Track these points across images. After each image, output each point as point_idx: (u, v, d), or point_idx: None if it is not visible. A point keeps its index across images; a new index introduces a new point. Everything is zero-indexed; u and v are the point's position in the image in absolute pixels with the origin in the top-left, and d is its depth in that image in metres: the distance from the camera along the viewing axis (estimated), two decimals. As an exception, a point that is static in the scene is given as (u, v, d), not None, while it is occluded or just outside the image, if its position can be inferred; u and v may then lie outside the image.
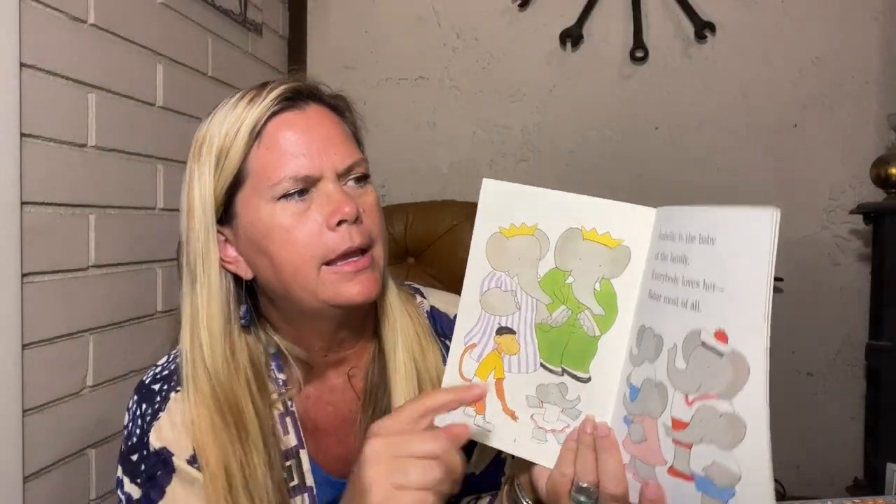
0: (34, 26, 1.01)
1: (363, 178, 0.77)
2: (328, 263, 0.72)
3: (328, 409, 0.84)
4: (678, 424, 0.53)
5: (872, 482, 1.69)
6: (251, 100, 0.75)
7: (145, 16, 1.30)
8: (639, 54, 1.96)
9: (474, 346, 0.66)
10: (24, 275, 0.99)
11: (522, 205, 0.65)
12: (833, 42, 1.92)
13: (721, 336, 0.50)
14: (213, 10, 1.56)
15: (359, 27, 2.07)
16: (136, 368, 1.29)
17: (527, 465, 0.66)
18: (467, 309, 0.67)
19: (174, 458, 0.75)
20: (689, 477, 0.52)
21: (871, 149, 1.89)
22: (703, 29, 1.93)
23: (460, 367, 0.67)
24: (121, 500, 0.76)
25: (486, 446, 0.88)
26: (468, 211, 1.43)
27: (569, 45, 2.00)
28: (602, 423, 0.60)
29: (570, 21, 1.98)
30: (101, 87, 1.16)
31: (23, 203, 0.99)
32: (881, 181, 1.71)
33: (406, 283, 0.91)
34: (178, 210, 1.41)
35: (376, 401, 0.83)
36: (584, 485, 0.59)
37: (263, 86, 0.76)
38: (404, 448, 0.58)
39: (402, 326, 0.82)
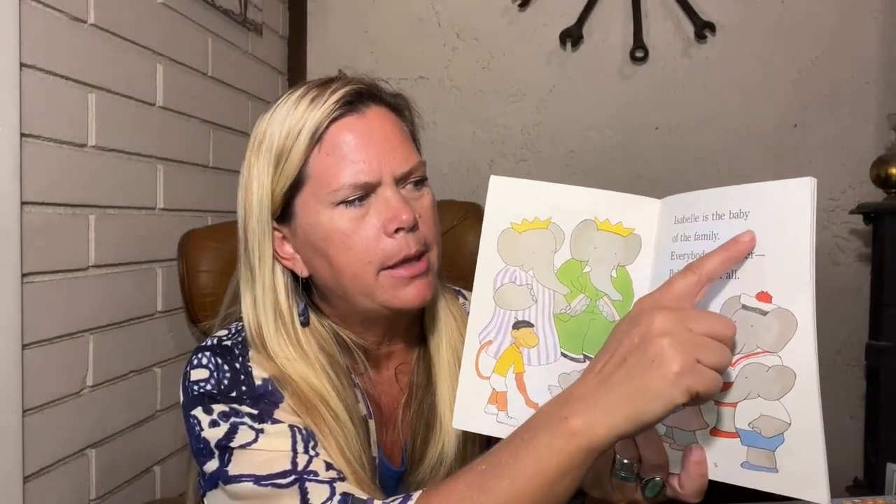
0: (34, 26, 1.01)
1: (421, 182, 0.79)
2: (385, 268, 0.74)
3: (382, 396, 0.86)
4: (721, 386, 0.56)
5: (872, 482, 1.69)
6: (312, 100, 0.75)
7: (145, 16, 1.30)
8: (639, 54, 1.96)
9: (490, 342, 0.67)
10: (24, 275, 0.99)
11: (533, 200, 0.66)
12: (833, 42, 1.92)
13: (764, 297, 0.54)
14: (213, 10, 1.56)
15: (359, 27, 2.07)
16: (136, 368, 1.29)
17: None
18: (480, 306, 0.67)
19: (280, 389, 0.74)
20: (734, 434, 0.56)
21: (871, 149, 1.89)
22: (703, 29, 1.93)
23: (477, 365, 0.67)
24: (204, 444, 0.71)
25: None
26: (468, 211, 1.43)
27: (569, 45, 2.00)
28: None
29: (570, 21, 1.98)
30: (101, 87, 1.16)
31: (23, 203, 0.99)
32: (881, 181, 1.71)
33: (448, 285, 0.92)
34: (177, 210, 1.42)
35: (421, 398, 0.85)
36: (626, 461, 0.60)
37: (325, 85, 0.77)
38: (700, 325, 0.53)
39: (446, 326, 0.85)
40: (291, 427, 0.71)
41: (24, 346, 1.00)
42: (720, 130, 1.98)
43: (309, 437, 0.71)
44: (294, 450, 0.70)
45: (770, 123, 1.95)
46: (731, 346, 0.55)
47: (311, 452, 0.70)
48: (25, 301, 1.00)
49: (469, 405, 0.67)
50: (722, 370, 0.53)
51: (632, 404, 0.52)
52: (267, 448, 0.69)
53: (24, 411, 1.00)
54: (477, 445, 0.84)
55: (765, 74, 1.95)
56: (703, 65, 1.97)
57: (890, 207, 1.67)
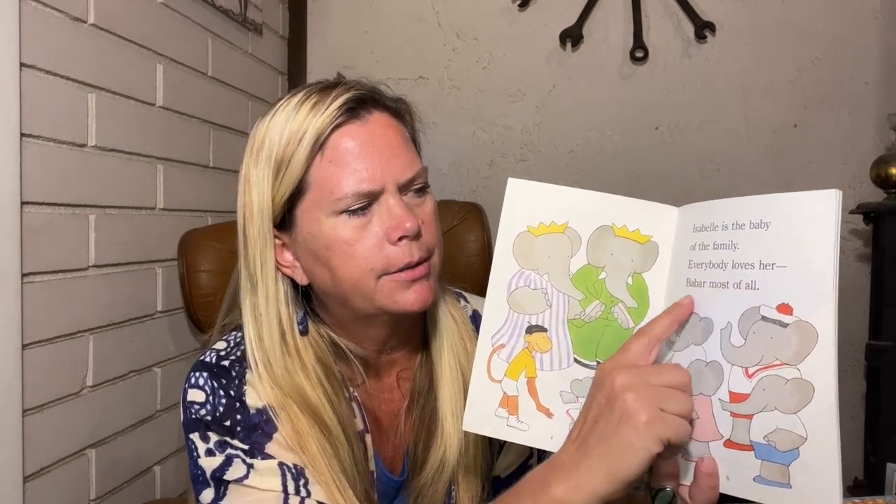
0: (34, 26, 1.01)
1: (423, 188, 0.78)
2: (386, 273, 0.73)
3: (382, 405, 0.85)
4: (737, 397, 0.56)
5: (872, 482, 1.69)
6: (314, 106, 0.73)
7: (145, 16, 1.30)
8: (639, 54, 1.96)
9: (503, 346, 0.66)
10: (24, 275, 0.99)
11: (551, 204, 0.65)
12: (833, 42, 1.91)
13: (785, 308, 0.54)
14: (213, 10, 1.56)
15: (359, 27, 2.07)
16: (136, 368, 1.29)
17: None
18: (494, 309, 0.67)
19: (274, 418, 0.74)
20: (748, 447, 0.55)
21: (871, 149, 1.89)
22: (703, 29, 1.93)
23: (489, 368, 0.67)
24: (201, 471, 0.72)
25: (512, 450, 0.88)
26: (468, 211, 1.43)
27: (569, 45, 2.00)
28: None
29: (570, 21, 1.98)
30: (101, 87, 1.16)
31: (23, 203, 0.99)
32: (881, 181, 1.70)
33: (448, 287, 0.91)
34: (177, 210, 1.42)
35: (423, 404, 0.84)
36: None
37: (326, 90, 0.75)
38: (657, 378, 0.55)
39: (447, 330, 0.84)
40: (281, 465, 0.71)
41: (24, 346, 1.00)
42: (720, 130, 1.97)
43: (299, 476, 0.71)
44: (285, 491, 0.70)
45: (770, 123, 1.95)
46: (690, 392, 0.57)
47: (303, 492, 0.70)
48: (25, 301, 1.00)
49: (480, 408, 0.67)
50: (686, 416, 0.55)
51: (611, 463, 0.54)
52: (258, 486, 0.70)
53: (24, 411, 1.00)
54: (479, 449, 0.83)
55: (765, 74, 1.94)
56: (703, 65, 1.97)
57: (890, 207, 1.67)
